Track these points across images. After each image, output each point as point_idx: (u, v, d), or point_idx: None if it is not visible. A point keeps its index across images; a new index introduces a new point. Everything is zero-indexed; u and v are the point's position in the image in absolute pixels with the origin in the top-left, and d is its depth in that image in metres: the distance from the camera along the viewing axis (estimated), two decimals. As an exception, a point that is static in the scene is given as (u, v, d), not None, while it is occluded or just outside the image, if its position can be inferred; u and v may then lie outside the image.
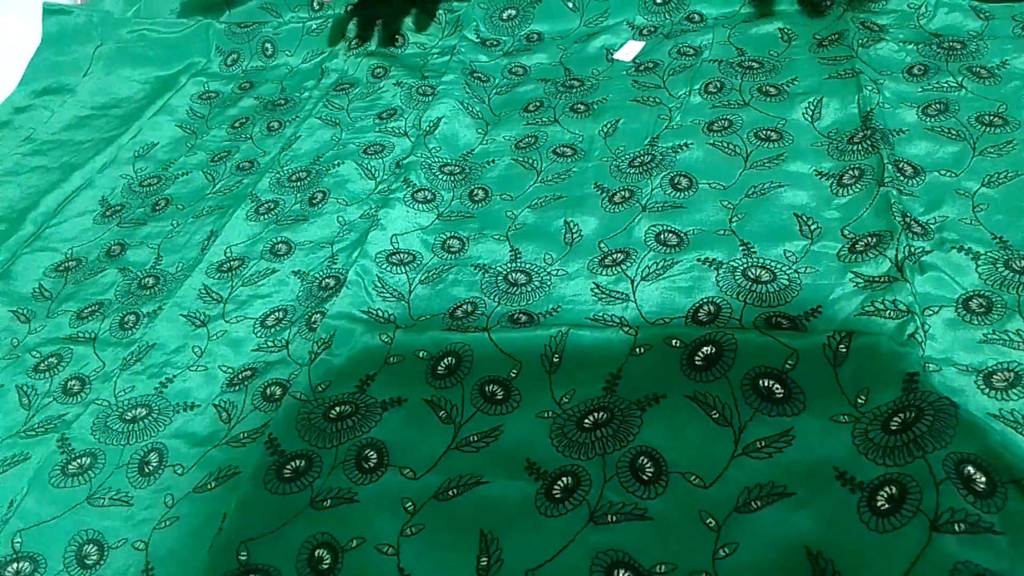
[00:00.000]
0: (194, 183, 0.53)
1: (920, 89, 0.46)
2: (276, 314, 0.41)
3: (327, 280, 0.42)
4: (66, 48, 0.67)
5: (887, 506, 0.27)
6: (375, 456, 0.33)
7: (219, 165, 0.54)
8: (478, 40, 0.60)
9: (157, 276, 0.46)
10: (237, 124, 0.58)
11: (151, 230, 0.49)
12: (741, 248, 0.39)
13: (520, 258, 0.41)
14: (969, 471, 0.27)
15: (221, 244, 0.46)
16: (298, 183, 0.50)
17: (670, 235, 0.40)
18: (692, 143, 0.46)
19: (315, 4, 0.56)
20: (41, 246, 0.49)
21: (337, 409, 0.35)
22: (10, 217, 0.52)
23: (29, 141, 0.60)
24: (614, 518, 0.29)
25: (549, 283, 0.39)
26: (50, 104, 0.63)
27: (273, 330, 0.40)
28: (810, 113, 0.46)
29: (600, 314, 0.37)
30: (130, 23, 0.68)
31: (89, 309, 0.44)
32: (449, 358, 0.36)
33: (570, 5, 0.59)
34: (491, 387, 0.35)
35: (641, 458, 0.31)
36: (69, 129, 0.61)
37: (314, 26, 0.64)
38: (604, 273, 0.39)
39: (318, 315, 0.40)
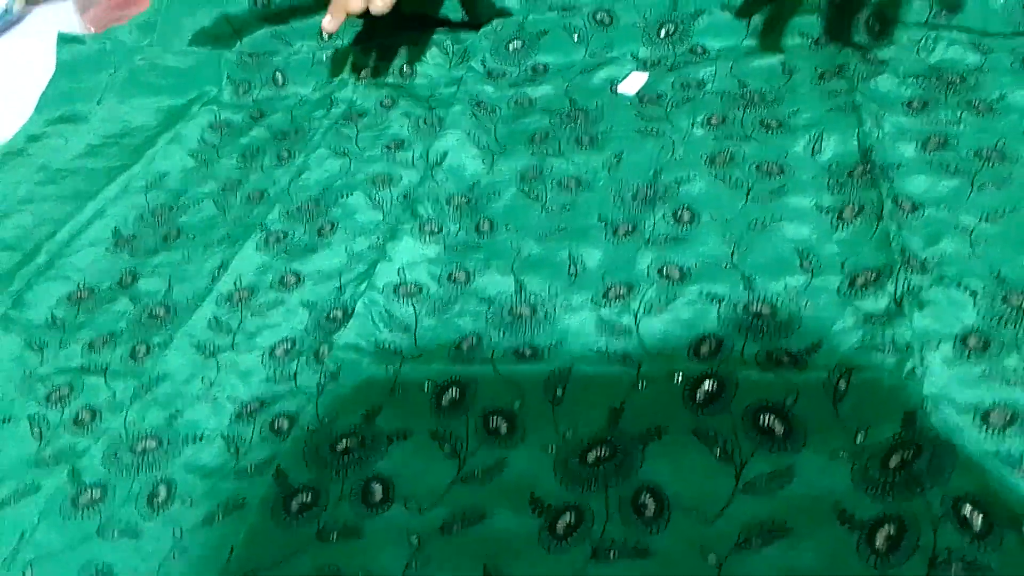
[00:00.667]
0: (205, 213, 0.54)
1: (920, 123, 0.46)
2: (284, 345, 0.42)
3: (335, 311, 0.43)
4: (80, 77, 0.68)
5: (886, 544, 0.28)
6: (381, 489, 0.34)
7: (230, 195, 0.55)
8: (484, 71, 0.61)
9: (168, 306, 0.46)
10: (247, 153, 0.59)
11: (162, 260, 0.50)
12: (743, 282, 0.39)
13: (525, 290, 0.42)
14: (967, 510, 0.28)
15: (231, 274, 0.47)
16: (307, 213, 0.51)
17: (673, 269, 0.41)
18: (694, 176, 0.47)
19: (323, 35, 0.57)
20: (54, 275, 0.50)
21: (344, 441, 0.36)
22: (24, 246, 0.53)
23: (43, 169, 0.61)
24: (616, 554, 0.30)
25: (553, 316, 0.40)
26: (64, 132, 0.65)
27: (281, 361, 0.41)
28: (811, 147, 0.46)
29: (603, 348, 0.37)
30: (143, 52, 0.69)
31: (101, 339, 0.45)
32: (454, 390, 0.37)
33: (575, 37, 0.60)
34: (495, 420, 0.35)
35: (643, 494, 0.31)
36: (82, 157, 0.62)
37: (324, 56, 0.65)
38: (607, 306, 0.40)
39: (326, 346, 0.41)
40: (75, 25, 0.88)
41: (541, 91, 0.58)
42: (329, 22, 0.55)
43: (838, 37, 0.54)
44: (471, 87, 0.59)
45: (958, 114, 0.46)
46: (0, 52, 0.87)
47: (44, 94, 0.68)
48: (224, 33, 0.69)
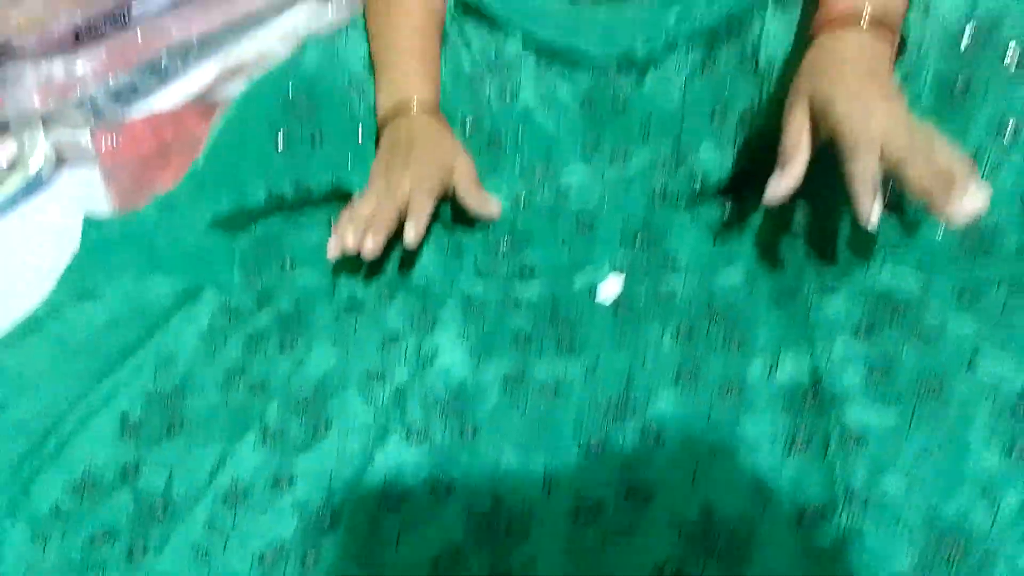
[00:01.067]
0: (209, 402, 0.57)
1: (866, 350, 0.51)
2: (274, 550, 0.45)
3: (324, 517, 0.46)
4: (102, 255, 0.73)
5: None
6: None
7: (233, 383, 0.59)
8: (476, 269, 0.66)
9: (167, 502, 0.49)
10: (253, 339, 0.63)
11: (165, 451, 0.53)
12: (701, 509, 0.42)
13: (502, 505, 0.45)
14: None
15: (229, 471, 0.50)
16: (304, 408, 0.54)
17: (638, 490, 0.44)
18: (662, 391, 0.51)
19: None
20: (62, 463, 0.53)
21: (325, 663, 0.38)
22: (35, 428, 0.56)
23: (60, 346, 0.65)
24: None
25: (527, 535, 0.43)
26: (82, 309, 0.69)
27: (270, 569, 0.44)
28: (767, 368, 0.51)
29: (573, 572, 0.40)
30: (163, 233, 0.74)
31: (101, 534, 0.48)
32: (431, 612, 0.39)
33: (560, 240, 0.66)
34: (467, 648, 0.38)
35: None
36: (98, 336, 0.66)
37: (331, 245, 0.70)
38: (577, 527, 0.43)
39: (313, 554, 0.43)
40: (100, 190, 0.95)
41: (527, 291, 0.63)
42: (331, 250, 0.61)
43: (798, 256, 0.59)
44: (463, 284, 0.64)
45: (901, 343, 0.51)
46: (28, 217, 0.94)
47: (66, 270, 0.73)
48: (240, 218, 0.74)
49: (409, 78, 0.68)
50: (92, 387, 0.60)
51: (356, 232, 0.61)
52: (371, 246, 0.60)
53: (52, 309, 0.69)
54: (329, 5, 1.28)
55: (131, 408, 0.58)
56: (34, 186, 0.97)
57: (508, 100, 0.71)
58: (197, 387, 0.59)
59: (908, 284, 0.56)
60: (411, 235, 0.61)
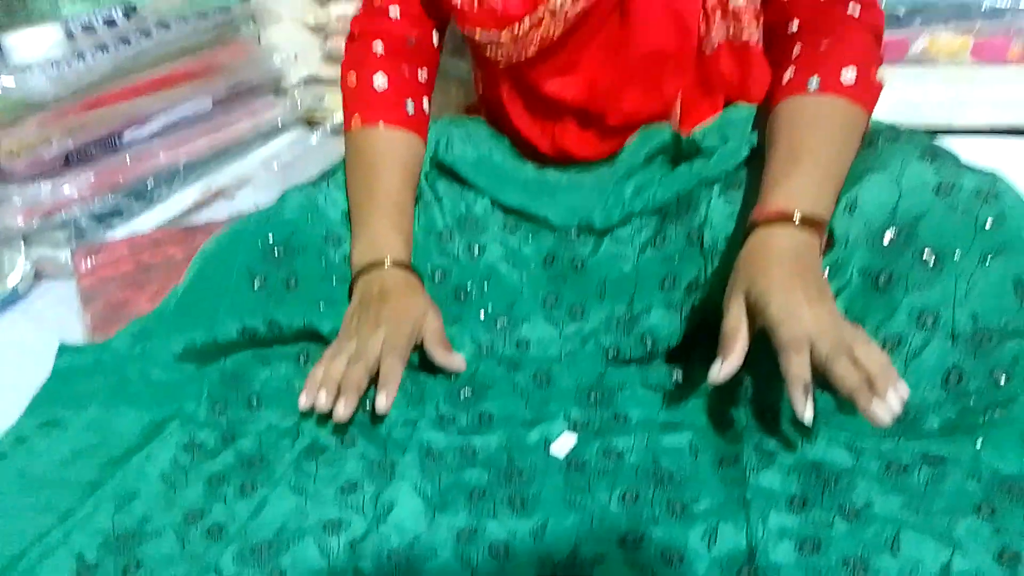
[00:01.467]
0: (165, 546, 0.58)
1: (799, 523, 0.54)
2: None
3: None
4: (72, 383, 0.75)
5: None
6: None
7: (191, 527, 0.60)
8: (437, 415, 0.69)
9: (114, 660, 0.50)
10: (213, 481, 0.64)
11: (118, 600, 0.54)
12: None
13: None
14: None
15: (179, 628, 0.51)
16: (259, 557, 0.56)
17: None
18: (607, 557, 0.53)
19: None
20: (14, 607, 0.54)
21: None
22: (-7, 565, 0.57)
23: (22, 476, 0.66)
24: None
25: None
26: (48, 437, 0.70)
27: None
28: (707, 538, 0.53)
29: None
30: (134, 363, 0.76)
31: None
32: None
33: (518, 392, 0.69)
34: None
35: None
36: (61, 467, 0.67)
37: (297, 385, 0.73)
38: None
39: None
40: (75, 306, 0.97)
41: (484, 442, 0.65)
42: (301, 405, 0.65)
43: (740, 422, 0.63)
44: (423, 432, 0.66)
45: (831, 517, 0.54)
46: (1, 331, 0.95)
47: (36, 397, 0.74)
48: (210, 352, 0.77)
49: (384, 236, 0.72)
50: (51, 524, 0.61)
51: (328, 393, 0.64)
52: (342, 412, 0.64)
53: (18, 439, 0.70)
54: (313, 135, 1.35)
55: (87, 549, 0.58)
56: (9, 300, 0.99)
57: (475, 255, 0.75)
58: (155, 530, 0.60)
59: (840, 458, 0.59)
60: (383, 404, 0.65)
